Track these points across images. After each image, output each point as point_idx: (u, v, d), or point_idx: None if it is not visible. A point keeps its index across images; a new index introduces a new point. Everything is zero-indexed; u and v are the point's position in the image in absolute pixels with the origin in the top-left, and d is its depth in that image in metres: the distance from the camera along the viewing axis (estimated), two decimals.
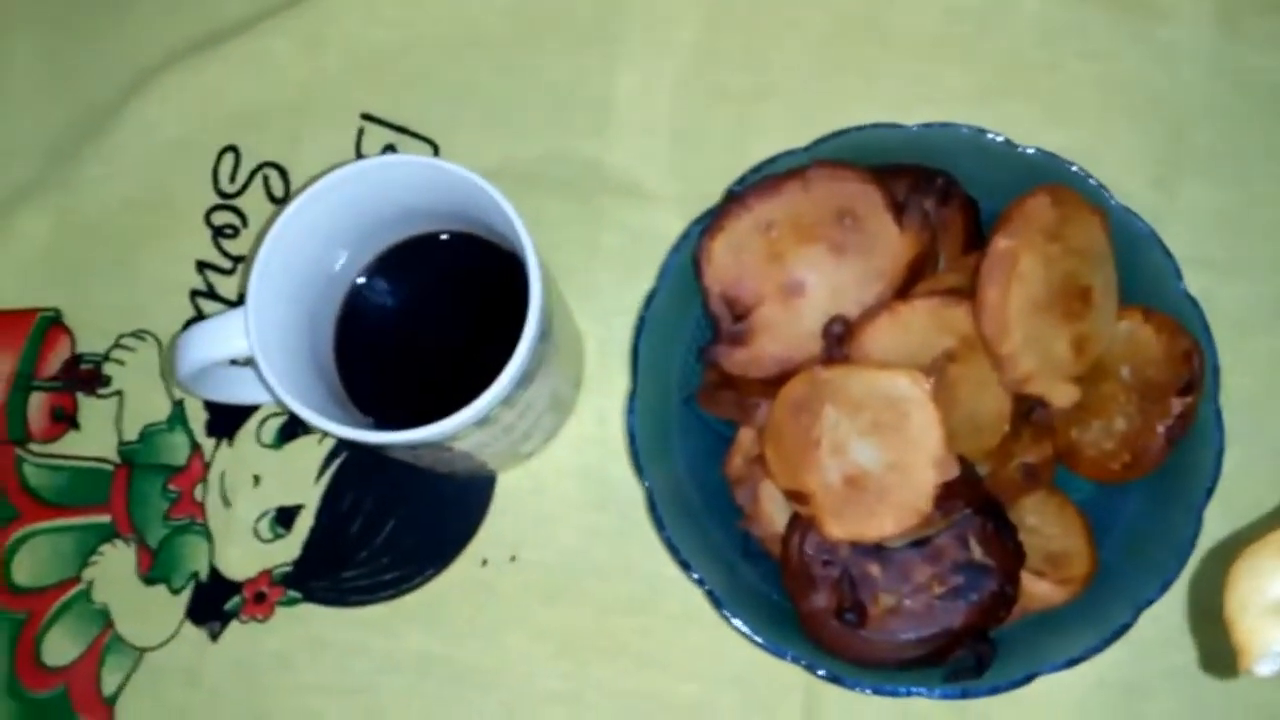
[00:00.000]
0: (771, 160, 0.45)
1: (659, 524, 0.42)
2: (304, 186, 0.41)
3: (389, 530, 0.49)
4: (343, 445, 0.50)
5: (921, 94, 0.52)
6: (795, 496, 0.41)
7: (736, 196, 0.43)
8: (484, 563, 0.48)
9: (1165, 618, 0.45)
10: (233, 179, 0.54)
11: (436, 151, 0.53)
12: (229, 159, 0.54)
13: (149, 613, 0.49)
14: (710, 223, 0.43)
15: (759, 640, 0.41)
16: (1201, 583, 0.44)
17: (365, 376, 0.45)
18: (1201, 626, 0.46)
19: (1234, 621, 0.30)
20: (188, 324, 0.52)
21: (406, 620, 0.48)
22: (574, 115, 0.53)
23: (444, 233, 0.45)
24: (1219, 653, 0.46)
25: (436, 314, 0.46)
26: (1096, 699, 0.45)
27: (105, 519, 0.50)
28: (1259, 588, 0.30)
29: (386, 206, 0.43)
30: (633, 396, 0.43)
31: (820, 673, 0.40)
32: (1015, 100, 0.52)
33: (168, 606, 0.49)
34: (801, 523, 0.41)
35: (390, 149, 0.53)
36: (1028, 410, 0.42)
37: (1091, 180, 0.43)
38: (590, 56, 0.54)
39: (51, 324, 0.53)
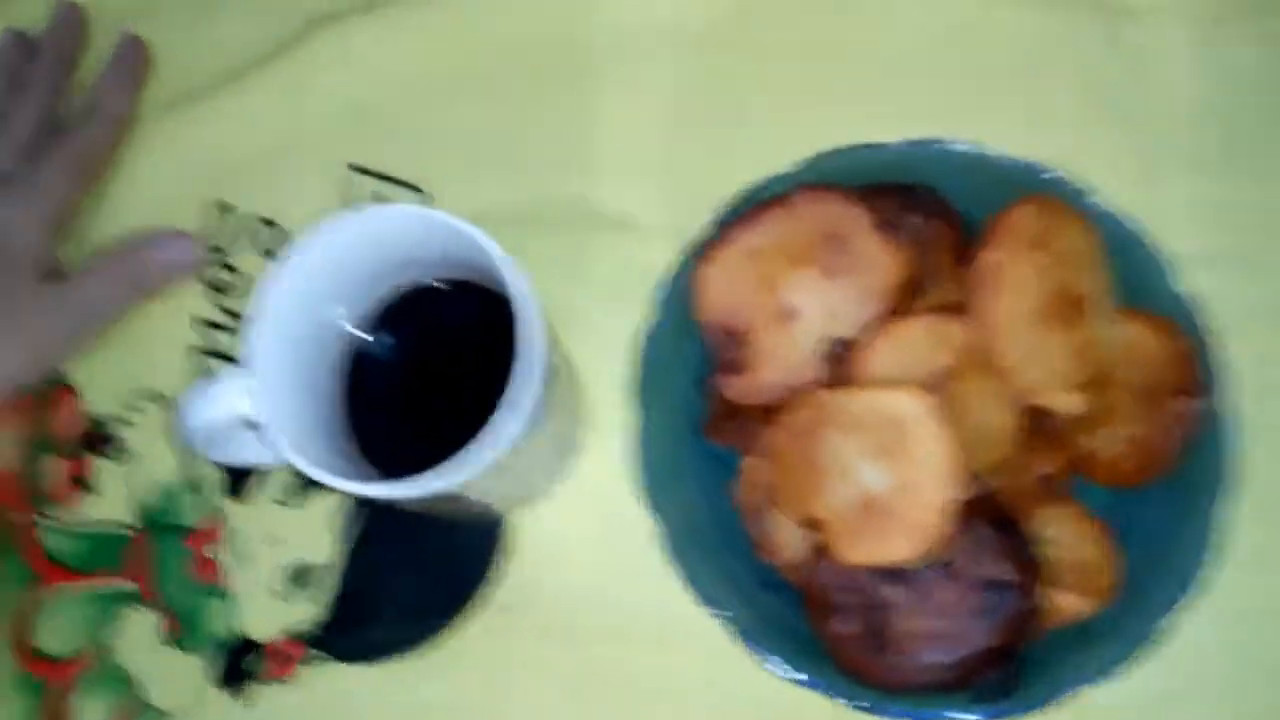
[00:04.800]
0: (756, 186, 0.45)
1: (676, 562, 0.42)
2: (292, 242, 0.41)
3: (405, 583, 0.49)
4: (357, 499, 0.50)
5: (900, 111, 0.51)
6: (807, 524, 0.40)
7: (724, 226, 0.43)
8: (498, 608, 0.48)
9: (1197, 625, 0.42)
10: (223, 234, 0.54)
11: (424, 198, 0.53)
12: (216, 214, 0.54)
13: (174, 677, 0.49)
14: (700, 253, 0.43)
15: (791, 675, 0.40)
16: (1234, 587, 0.42)
17: (376, 430, 0.44)
18: (1236, 631, 0.45)
19: None
20: (190, 383, 0.52)
21: (425, 672, 0.48)
22: (558, 154, 0.53)
23: (440, 280, 0.45)
24: (1253, 660, 0.45)
25: (439, 362, 0.46)
26: (1129, 710, 0.44)
27: (126, 583, 0.50)
28: None
29: (377, 257, 0.43)
30: (640, 431, 0.43)
31: (859, 704, 0.40)
32: (993, 112, 0.51)
33: (192, 670, 0.49)
34: (818, 549, 0.41)
35: (378, 197, 0.53)
36: (1037, 421, 0.41)
37: (1076, 185, 0.43)
38: (570, 95, 0.54)
39: (55, 384, 0.53)
